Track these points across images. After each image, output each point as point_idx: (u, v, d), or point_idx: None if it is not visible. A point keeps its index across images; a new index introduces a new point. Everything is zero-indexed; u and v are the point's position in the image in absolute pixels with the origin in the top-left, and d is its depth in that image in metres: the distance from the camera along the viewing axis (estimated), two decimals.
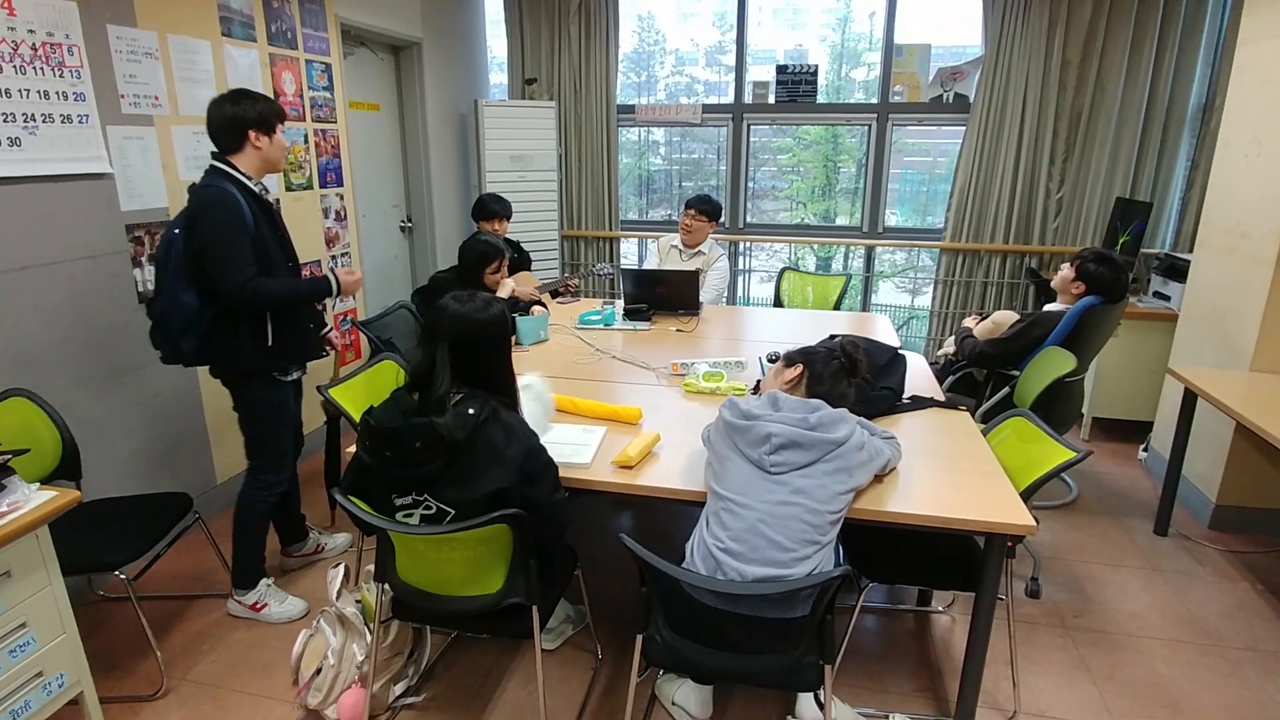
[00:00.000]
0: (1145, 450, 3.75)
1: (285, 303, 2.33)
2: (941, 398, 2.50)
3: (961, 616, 2.50)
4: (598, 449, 2.02)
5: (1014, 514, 1.71)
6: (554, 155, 5.07)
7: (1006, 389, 3.02)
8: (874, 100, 5.00)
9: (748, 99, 5.15)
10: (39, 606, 1.73)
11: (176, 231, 2.19)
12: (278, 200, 2.41)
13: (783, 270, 4.48)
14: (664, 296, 3.57)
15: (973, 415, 2.42)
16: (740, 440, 1.69)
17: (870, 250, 5.25)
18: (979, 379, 3.32)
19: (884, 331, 3.37)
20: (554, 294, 4.10)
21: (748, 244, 5.62)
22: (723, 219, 5.37)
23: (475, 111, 4.76)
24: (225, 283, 2.14)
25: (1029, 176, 4.68)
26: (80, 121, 2.43)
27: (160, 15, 2.70)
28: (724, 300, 4.12)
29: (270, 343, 2.32)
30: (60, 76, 2.36)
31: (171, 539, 2.31)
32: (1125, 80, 4.40)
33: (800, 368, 1.82)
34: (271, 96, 3.22)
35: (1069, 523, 3.13)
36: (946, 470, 1.93)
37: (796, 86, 4.99)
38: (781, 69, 5.00)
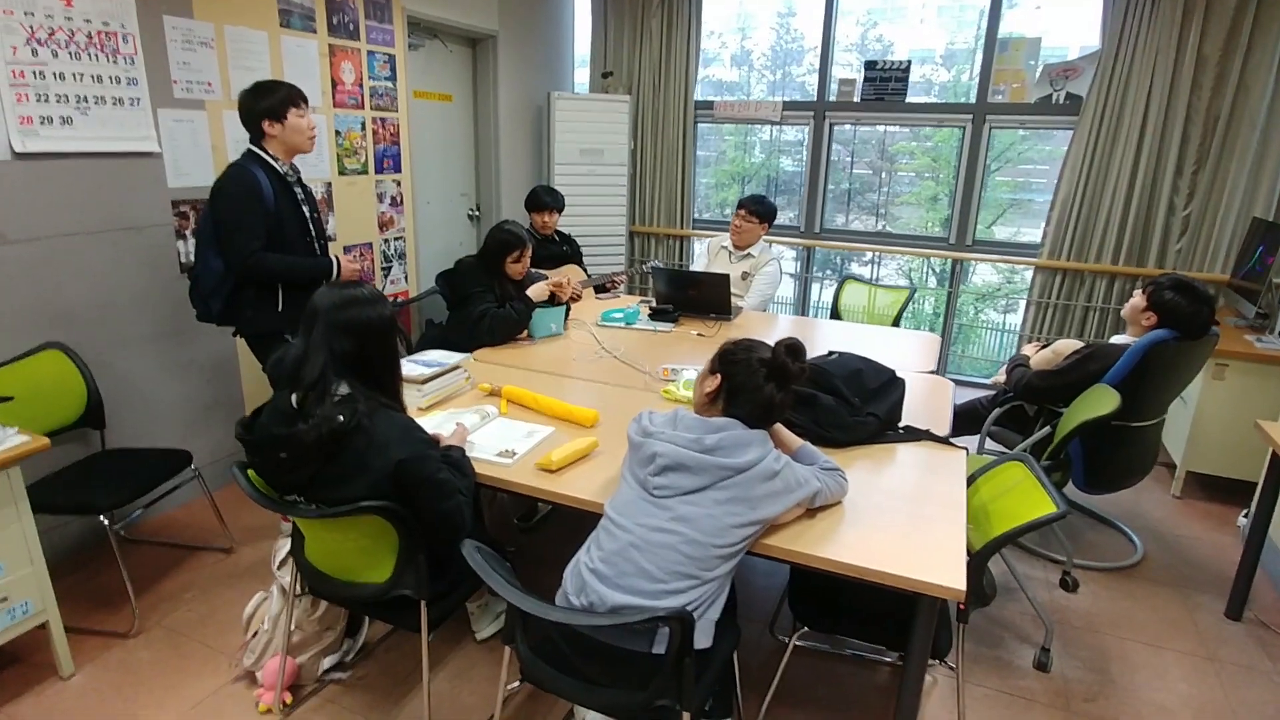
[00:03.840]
0: (1246, 516, 3.19)
1: (285, 278, 2.49)
2: (945, 431, 2.23)
3: (946, 678, 2.22)
4: (531, 449, 1.96)
5: (947, 574, 1.48)
6: (625, 150, 5.03)
7: (1047, 428, 2.66)
8: (971, 100, 4.57)
9: (833, 96, 4.86)
10: (7, 540, 1.90)
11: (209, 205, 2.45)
12: (304, 185, 2.56)
13: (843, 279, 4.20)
14: (695, 299, 3.44)
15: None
16: (632, 457, 1.57)
17: (956, 264, 4.82)
18: (1030, 414, 2.95)
19: (926, 352, 3.07)
20: (600, 289, 4.07)
21: (876, 255, 5.33)
22: (798, 223, 5.13)
23: (549, 103, 4.81)
24: (230, 253, 2.38)
25: (1148, 189, 4.11)
26: (132, 104, 2.66)
27: (218, 7, 2.91)
28: (771, 309, 3.91)
29: (280, 308, 2.51)
30: (114, 62, 2.59)
31: (164, 492, 2.49)
32: (1277, 80, 3.75)
33: (719, 379, 1.64)
34: (328, 85, 3.42)
35: (1122, 589, 2.72)
36: (902, 514, 1.71)
37: (885, 84, 4.66)
38: (870, 64, 4.68)
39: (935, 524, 1.67)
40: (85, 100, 2.52)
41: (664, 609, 1.38)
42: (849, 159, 5.53)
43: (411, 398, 2.21)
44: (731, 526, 1.46)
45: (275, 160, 2.47)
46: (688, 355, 2.89)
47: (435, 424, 2.00)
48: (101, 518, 2.22)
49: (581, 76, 5.60)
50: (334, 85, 3.45)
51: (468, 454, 1.82)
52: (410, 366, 2.27)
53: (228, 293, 2.48)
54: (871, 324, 3.89)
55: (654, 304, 3.48)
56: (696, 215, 5.47)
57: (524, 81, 4.84)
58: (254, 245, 2.38)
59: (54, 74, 2.42)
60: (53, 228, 2.50)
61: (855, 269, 6.23)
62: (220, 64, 2.95)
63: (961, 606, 1.73)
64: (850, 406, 2.12)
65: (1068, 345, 2.82)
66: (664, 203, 5.32)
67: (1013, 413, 2.96)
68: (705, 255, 4.07)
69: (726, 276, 3.40)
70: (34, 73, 2.37)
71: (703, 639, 1.44)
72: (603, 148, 4.95)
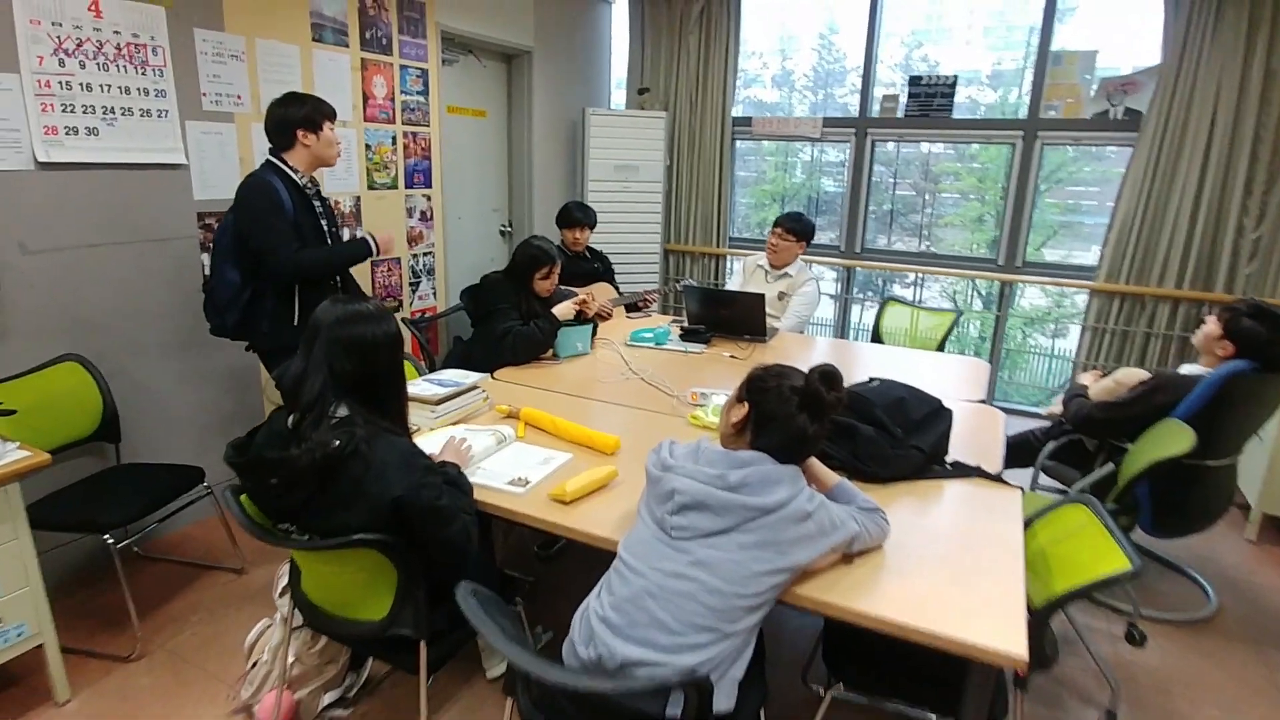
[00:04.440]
0: None
1: (331, 269, 2.51)
2: (996, 467, 2.04)
3: None
4: (546, 477, 1.83)
5: (1004, 635, 1.30)
6: (661, 166, 4.93)
7: (1110, 466, 2.44)
8: (1022, 116, 4.37)
9: (875, 112, 4.71)
10: (3, 559, 1.84)
11: (229, 216, 2.42)
12: (323, 198, 2.52)
13: (885, 301, 4.01)
14: (728, 319, 3.30)
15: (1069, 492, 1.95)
16: (650, 493, 1.43)
17: (1005, 287, 4.59)
18: (1090, 448, 2.73)
19: (975, 379, 2.87)
20: (631, 307, 3.96)
21: (919, 276, 5.14)
22: (839, 242, 4.96)
23: (583, 120, 4.74)
24: (275, 261, 2.34)
25: (1215, 209, 3.86)
26: (160, 116, 2.64)
27: (250, 21, 2.89)
28: (809, 331, 3.75)
29: (296, 322, 2.46)
30: (143, 74, 2.57)
31: (172, 510, 2.42)
32: None
33: (747, 407, 1.50)
34: (359, 99, 3.39)
35: (1194, 644, 2.47)
36: (951, 561, 1.53)
37: (930, 100, 4.49)
38: (915, 80, 4.51)
39: (989, 574, 1.50)
40: (112, 111, 2.50)
41: (678, 669, 1.23)
42: (891, 179, 5.38)
43: (424, 418, 2.11)
44: (758, 574, 1.31)
45: (295, 172, 2.42)
46: (719, 378, 2.75)
47: (437, 441, 1.89)
48: (106, 537, 2.16)
49: (618, 94, 5.54)
50: (365, 99, 3.42)
51: (474, 478, 1.70)
52: (425, 386, 2.17)
53: (244, 305, 2.43)
54: (915, 348, 3.70)
55: (685, 324, 3.35)
56: (734, 234, 5.34)
57: (559, 97, 4.79)
58: (295, 246, 2.36)
59: (81, 85, 2.40)
60: (75, 238, 2.47)
61: (897, 290, 6.02)
62: (250, 77, 2.92)
63: (1021, 674, 1.54)
64: (892, 438, 1.95)
65: (1131, 375, 2.60)
66: (699, 220, 5.20)
67: (1070, 446, 2.74)
68: (741, 274, 3.93)
69: (761, 296, 3.25)
70: (61, 83, 2.35)
71: (724, 701, 1.28)
72: (638, 164, 4.86)
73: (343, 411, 1.44)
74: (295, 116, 2.40)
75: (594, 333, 3.08)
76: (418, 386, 2.17)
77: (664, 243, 5.15)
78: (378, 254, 2.59)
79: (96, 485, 2.40)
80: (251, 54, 2.91)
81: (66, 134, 2.39)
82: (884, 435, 1.95)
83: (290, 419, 1.45)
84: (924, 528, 1.68)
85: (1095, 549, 1.59)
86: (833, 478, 1.62)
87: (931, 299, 5.67)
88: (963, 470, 1.98)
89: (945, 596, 1.41)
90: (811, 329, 4.04)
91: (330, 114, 2.47)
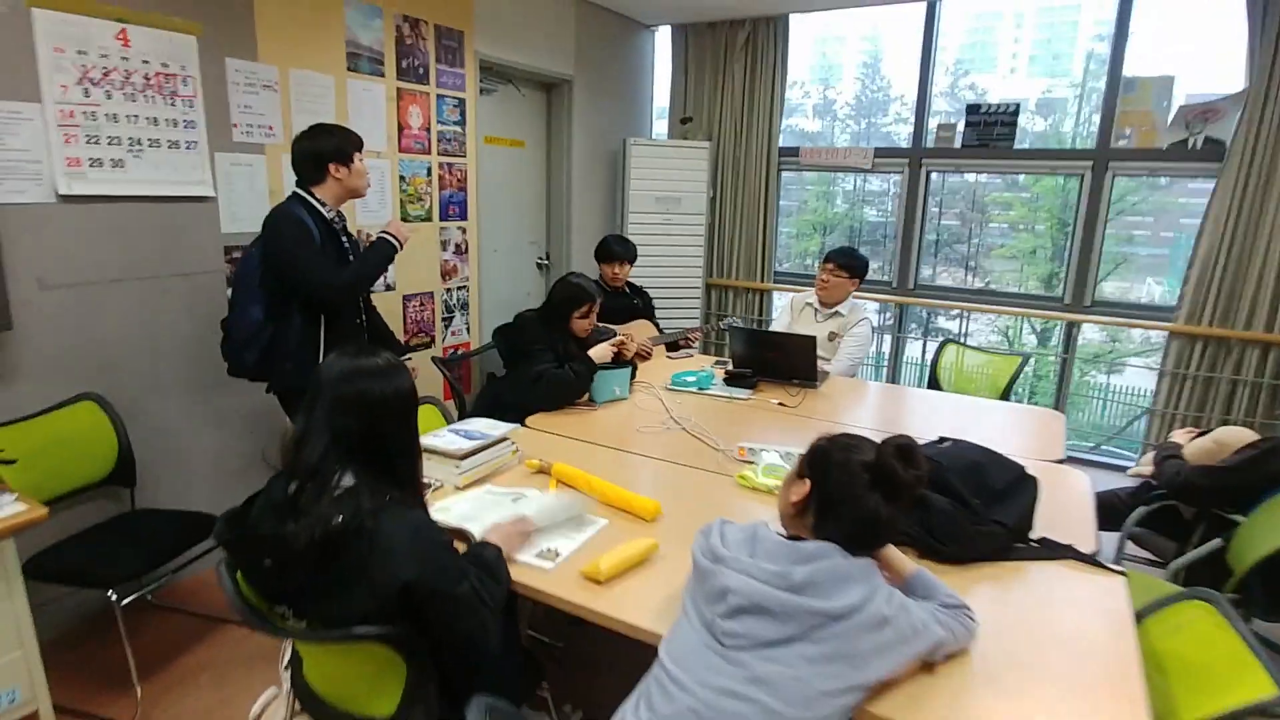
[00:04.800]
0: None
1: (369, 278, 2.45)
2: (1089, 544, 1.78)
3: None
4: (579, 549, 1.63)
5: None
6: (704, 198, 4.77)
7: (1218, 540, 2.15)
8: (1090, 146, 4.11)
9: (930, 142, 4.48)
10: None
11: (254, 250, 2.32)
12: (349, 233, 2.44)
13: (943, 343, 3.75)
14: (776, 362, 3.08)
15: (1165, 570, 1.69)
16: (697, 587, 1.22)
17: (1072, 327, 4.28)
18: (1187, 517, 2.43)
19: (1049, 435, 2.60)
20: (672, 346, 3.77)
21: (964, 311, 4.88)
22: (890, 278, 4.72)
23: (624, 150, 4.61)
24: (316, 284, 2.25)
25: None
26: (188, 147, 2.56)
27: (284, 51, 2.81)
28: (860, 373, 3.51)
29: (321, 361, 2.29)
30: (172, 105, 2.49)
31: (182, 563, 2.28)
32: None
33: (809, 485, 1.29)
34: (394, 130, 3.30)
35: None
36: (1055, 673, 1.29)
37: (990, 129, 4.25)
38: (973, 108, 4.29)
39: (1099, 688, 1.25)
40: (139, 143, 2.42)
41: None
42: (935, 209, 5.16)
43: (448, 473, 1.94)
44: (827, 693, 1.09)
45: (323, 205, 2.30)
46: (767, 429, 2.53)
47: (467, 511, 1.71)
48: (110, 593, 2.02)
49: (659, 124, 5.41)
50: (400, 130, 3.33)
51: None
52: (449, 438, 2.00)
53: (265, 343, 2.30)
54: (976, 394, 3.43)
55: (730, 366, 3.14)
56: (777, 267, 5.13)
57: (599, 127, 4.67)
58: (334, 269, 2.29)
59: (107, 115, 2.33)
60: (96, 273, 2.38)
61: (942, 323, 5.73)
62: (283, 108, 2.84)
63: None
64: (970, 511, 1.71)
65: (1235, 435, 2.32)
66: (743, 254, 5.01)
67: (1164, 514, 2.45)
68: (787, 312, 3.72)
69: (813, 339, 3.03)
70: (85, 113, 2.27)
71: None
72: (680, 196, 4.70)
73: (348, 480, 1.26)
74: (326, 149, 2.29)
75: (633, 376, 2.89)
76: (441, 438, 2.00)
77: (706, 277, 4.97)
78: (402, 247, 2.46)
79: (105, 534, 2.27)
80: (285, 84, 2.83)
81: (90, 166, 2.31)
82: (961, 508, 1.71)
83: (291, 487, 1.28)
84: (1014, 624, 1.44)
85: (1228, 660, 1.33)
86: (909, 566, 1.39)
87: (978, 332, 5.38)
88: (1053, 550, 1.73)
89: (1046, 717, 1.17)
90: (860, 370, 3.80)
91: (359, 144, 2.36)
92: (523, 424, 2.50)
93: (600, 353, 2.74)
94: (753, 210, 4.90)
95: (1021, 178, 5.03)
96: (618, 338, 2.85)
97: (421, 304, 3.58)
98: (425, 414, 2.42)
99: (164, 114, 2.47)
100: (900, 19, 5.97)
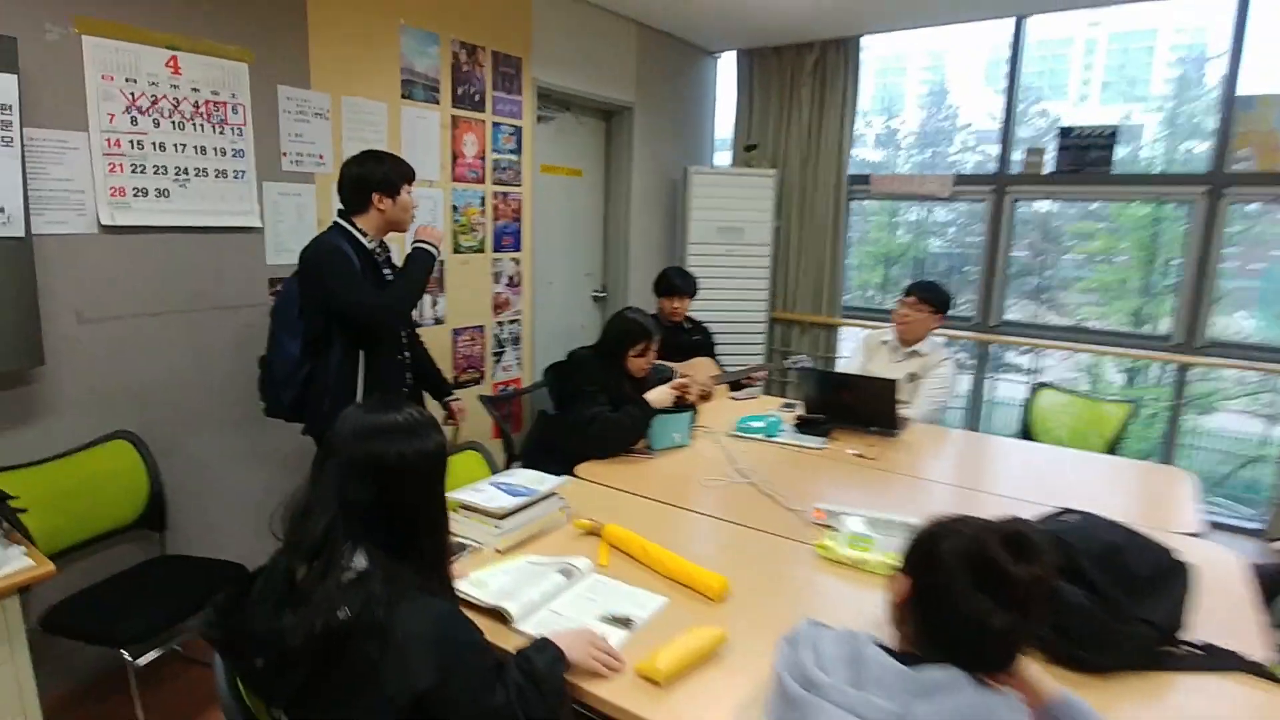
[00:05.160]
0: None
1: (415, 293, 2.25)
2: (1255, 648, 1.44)
3: None
4: (633, 635, 1.39)
5: None
6: (769, 228, 4.53)
7: None
8: (1201, 170, 3.72)
9: (1016, 168, 4.15)
10: None
11: (292, 283, 2.20)
12: (393, 265, 2.31)
13: (1037, 387, 3.40)
14: (852, 407, 2.79)
15: None
16: (785, 716, 0.96)
17: (1183, 369, 3.85)
18: None
19: (1177, 500, 2.24)
20: (735, 385, 3.52)
21: (1038, 351, 4.50)
22: (972, 313, 4.37)
23: (685, 179, 4.42)
24: (363, 308, 2.11)
25: None
26: (236, 177, 2.47)
27: (337, 78, 2.72)
28: (943, 419, 3.19)
29: (360, 400, 2.14)
30: (220, 133, 2.41)
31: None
32: None
33: (909, 582, 1.02)
34: (448, 158, 3.18)
35: None
36: None
37: (1084, 153, 3.90)
38: (1065, 131, 3.95)
39: None
40: (185, 172, 2.33)
41: None
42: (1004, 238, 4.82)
43: (487, 534, 1.73)
44: None
45: (363, 235, 2.16)
46: (845, 486, 2.26)
47: (505, 586, 1.48)
48: (123, 652, 1.86)
49: (720, 153, 5.23)
50: (454, 158, 3.21)
51: (534, 630, 1.28)
52: (491, 493, 1.79)
53: (301, 382, 2.16)
54: (1077, 445, 3.06)
55: (800, 411, 2.87)
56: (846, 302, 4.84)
57: (660, 156, 4.51)
58: (376, 291, 2.15)
59: (154, 144, 2.25)
60: (136, 306, 2.28)
61: (1010, 358, 5.32)
62: (334, 136, 2.74)
63: None
64: (1110, 606, 1.40)
65: None
66: (809, 287, 4.74)
67: None
68: (861, 351, 3.42)
69: (893, 383, 2.74)
70: (132, 142, 2.20)
71: None
72: (743, 226, 4.48)
73: (359, 562, 1.06)
74: (372, 178, 2.16)
75: (694, 420, 2.65)
76: (481, 493, 1.79)
77: (770, 312, 4.71)
78: (440, 251, 2.28)
79: (128, 583, 2.13)
80: (336, 112, 2.74)
81: (135, 195, 2.22)
82: (1098, 601, 1.40)
83: (293, 569, 1.08)
84: None
85: None
86: (1051, 688, 1.10)
87: (1051, 368, 4.96)
88: (1217, 658, 1.40)
89: None
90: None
91: (409, 176, 2.22)
92: (572, 472, 2.29)
93: (659, 396, 2.51)
94: (820, 241, 4.64)
95: (1094, 205, 4.67)
96: (679, 379, 2.62)
97: (471, 338, 3.43)
98: (467, 460, 2.23)
99: (212, 142, 2.38)
100: (968, 43, 5.72)
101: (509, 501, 1.75)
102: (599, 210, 4.39)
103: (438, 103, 3.10)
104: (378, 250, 2.21)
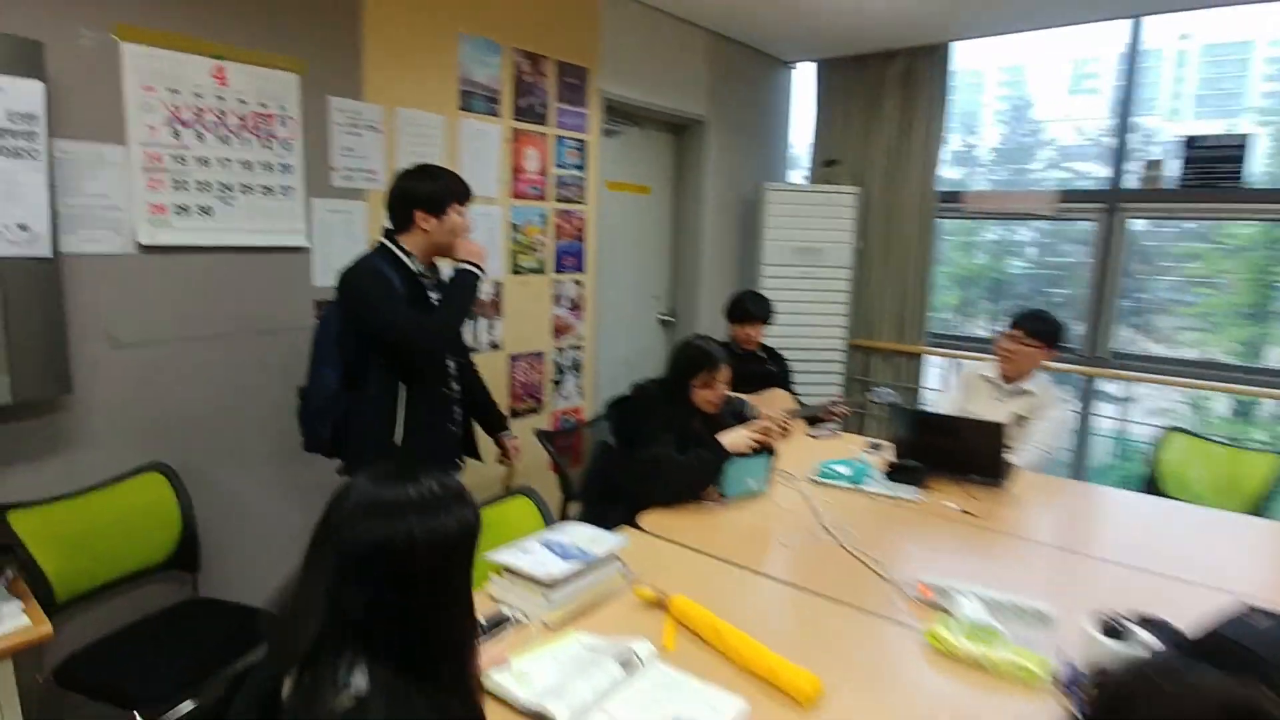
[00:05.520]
0: None
1: (459, 317, 2.02)
2: None
3: None
4: None
5: None
6: (848, 249, 4.20)
7: None
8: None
9: (1130, 183, 3.73)
10: None
11: (332, 309, 2.03)
12: (440, 289, 2.06)
13: (1167, 431, 2.96)
14: (951, 453, 2.45)
15: None
16: None
17: None
18: None
19: None
20: (811, 420, 3.21)
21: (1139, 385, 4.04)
22: (1077, 345, 3.94)
23: (759, 196, 4.15)
24: (402, 332, 1.91)
25: None
26: (283, 193, 2.32)
27: (392, 89, 2.57)
28: (1055, 468, 2.79)
29: (398, 438, 1.97)
30: (268, 148, 2.27)
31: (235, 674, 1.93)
32: None
33: None
34: (508, 174, 3.00)
35: None
36: None
37: (1211, 165, 3.46)
38: (1193, 141, 3.51)
39: None
40: (229, 188, 2.20)
41: None
42: (1092, 260, 4.37)
43: (534, 606, 1.48)
44: None
45: (409, 257, 1.97)
46: (952, 550, 1.93)
47: (552, 681, 1.23)
48: (134, 714, 1.68)
49: (793, 169, 4.94)
50: (514, 173, 3.02)
51: None
52: (539, 554, 1.54)
53: (339, 415, 1.97)
54: (1215, 503, 2.62)
55: (890, 454, 2.54)
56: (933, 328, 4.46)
57: (732, 172, 4.25)
58: (410, 313, 1.92)
59: (197, 159, 2.12)
60: (176, 329, 2.15)
61: (1099, 387, 4.82)
62: (388, 150, 2.59)
63: None
64: None
65: None
66: (891, 312, 4.38)
67: None
68: (958, 387, 3.06)
69: (1001, 427, 2.38)
70: (174, 157, 2.07)
71: None
72: (821, 247, 4.16)
73: (359, 683, 0.81)
74: (418, 194, 1.96)
75: (771, 464, 2.35)
76: (529, 555, 1.55)
77: (848, 339, 4.36)
78: (484, 270, 2.04)
79: (152, 631, 1.96)
80: (391, 124, 2.58)
81: (176, 213, 2.10)
82: None
83: (278, 683, 0.84)
84: None
85: None
86: None
87: (1145, 397, 4.44)
88: None
89: None
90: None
91: (461, 195, 2.00)
92: (633, 517, 2.03)
93: (737, 441, 2.22)
94: (904, 262, 4.29)
95: (1194, 224, 4.18)
96: (759, 422, 2.33)
97: (530, 365, 3.23)
98: (517, 508, 2.00)
99: (258, 157, 2.25)
100: (1054, 53, 5.33)
101: (560, 567, 1.49)
102: (667, 230, 4.15)
103: (498, 115, 2.93)
104: (424, 274, 2.01)
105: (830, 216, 4.18)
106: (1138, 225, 4.04)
